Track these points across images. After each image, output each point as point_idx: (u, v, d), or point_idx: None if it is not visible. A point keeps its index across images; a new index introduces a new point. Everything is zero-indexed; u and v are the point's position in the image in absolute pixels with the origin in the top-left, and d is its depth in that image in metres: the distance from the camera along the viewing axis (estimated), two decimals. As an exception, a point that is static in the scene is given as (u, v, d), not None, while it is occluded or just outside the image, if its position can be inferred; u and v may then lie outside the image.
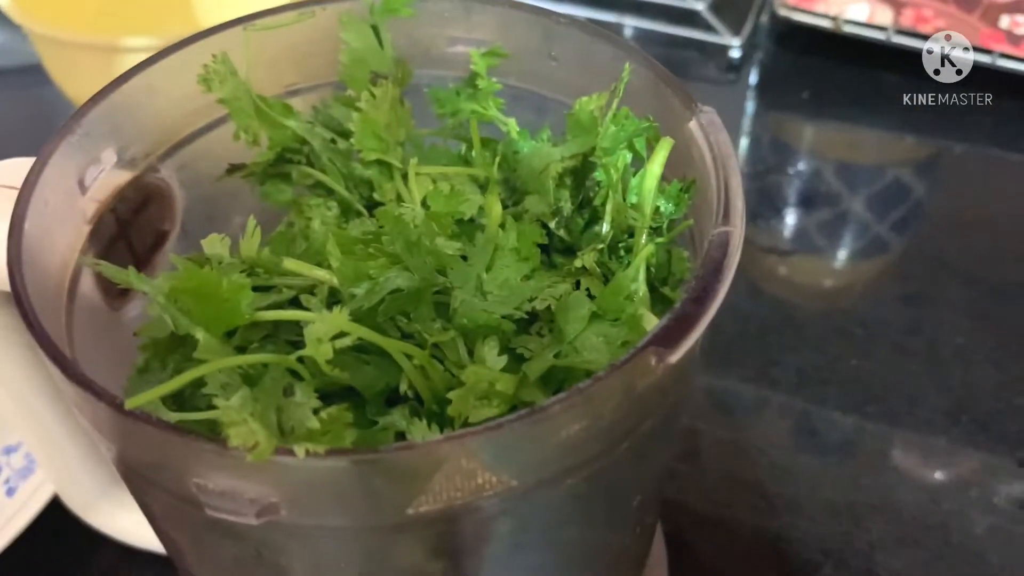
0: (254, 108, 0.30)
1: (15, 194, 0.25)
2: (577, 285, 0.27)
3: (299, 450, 0.20)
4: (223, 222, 0.32)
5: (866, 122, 0.68)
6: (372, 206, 0.31)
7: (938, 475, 0.46)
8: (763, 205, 0.60)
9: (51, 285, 0.26)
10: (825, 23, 0.68)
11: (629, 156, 0.28)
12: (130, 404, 0.21)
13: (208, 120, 0.31)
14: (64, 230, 0.27)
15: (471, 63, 0.31)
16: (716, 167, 0.25)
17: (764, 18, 0.74)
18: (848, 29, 0.67)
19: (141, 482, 0.24)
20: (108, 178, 0.28)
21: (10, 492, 0.42)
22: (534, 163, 0.30)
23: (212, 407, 0.21)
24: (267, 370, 0.24)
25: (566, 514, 0.26)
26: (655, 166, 0.27)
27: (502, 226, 0.28)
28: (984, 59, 0.64)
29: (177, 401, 0.25)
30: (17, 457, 0.44)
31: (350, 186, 0.31)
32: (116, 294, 0.29)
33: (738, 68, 0.71)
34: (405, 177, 0.30)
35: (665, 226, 0.28)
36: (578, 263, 0.27)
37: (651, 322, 0.25)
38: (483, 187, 0.31)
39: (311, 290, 0.27)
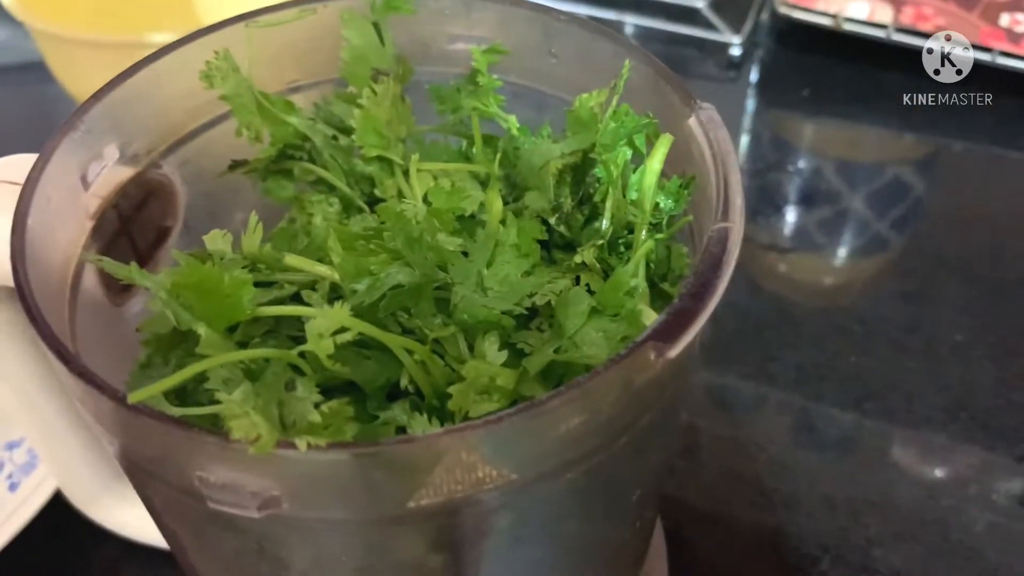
0: (256, 105, 0.30)
1: (18, 190, 0.25)
2: (577, 281, 0.27)
3: (301, 443, 0.20)
4: (225, 218, 0.32)
5: (866, 120, 0.68)
6: (373, 202, 0.31)
7: (936, 471, 0.46)
8: (763, 202, 0.61)
9: (54, 281, 0.26)
10: (825, 21, 0.68)
11: (629, 152, 0.28)
12: (133, 398, 0.21)
13: (210, 116, 0.31)
14: (67, 226, 0.27)
15: (472, 60, 0.31)
16: (715, 163, 0.25)
17: (764, 16, 0.74)
18: (848, 27, 0.67)
19: (143, 476, 0.24)
20: (110, 174, 0.29)
21: (13, 487, 0.42)
22: (534, 159, 0.30)
23: (214, 402, 0.21)
24: (269, 365, 0.24)
25: (566, 508, 0.26)
26: (655, 162, 0.27)
27: (503, 222, 0.28)
28: (984, 57, 0.64)
29: (179, 396, 0.25)
30: (20, 452, 0.44)
31: (351, 182, 0.31)
32: (119, 290, 0.29)
33: (738, 66, 0.71)
34: (406, 173, 0.30)
35: (664, 222, 0.28)
36: (578, 259, 0.27)
37: (650, 317, 0.25)
38: (484, 183, 0.31)
39: (312, 286, 0.27)
